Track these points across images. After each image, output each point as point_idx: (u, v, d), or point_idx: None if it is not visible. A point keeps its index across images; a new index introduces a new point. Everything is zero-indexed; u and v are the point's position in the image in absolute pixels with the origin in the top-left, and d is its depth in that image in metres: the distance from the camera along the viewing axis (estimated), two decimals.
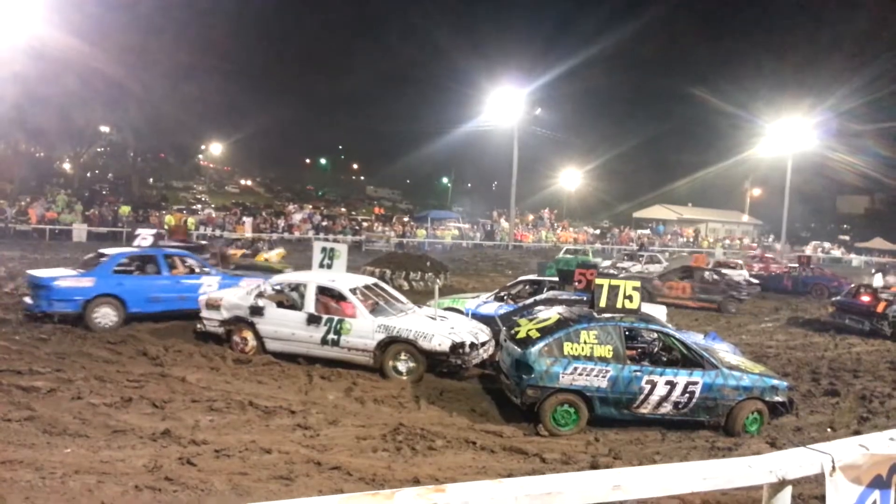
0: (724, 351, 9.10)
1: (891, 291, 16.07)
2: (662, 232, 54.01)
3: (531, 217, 53.93)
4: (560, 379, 7.31)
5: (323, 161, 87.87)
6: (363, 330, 9.12)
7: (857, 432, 7.87)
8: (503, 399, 7.99)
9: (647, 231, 53.03)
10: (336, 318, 9.29)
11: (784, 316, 18.40)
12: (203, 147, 65.75)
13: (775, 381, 7.94)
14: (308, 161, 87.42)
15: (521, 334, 7.98)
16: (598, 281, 8.32)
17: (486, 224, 47.00)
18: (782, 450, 5.99)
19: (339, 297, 9.62)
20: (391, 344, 9.00)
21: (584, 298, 9.99)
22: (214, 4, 40.01)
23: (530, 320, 8.48)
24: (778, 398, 7.80)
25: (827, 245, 48.77)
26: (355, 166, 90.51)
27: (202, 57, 38.92)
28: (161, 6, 34.46)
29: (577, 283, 10.50)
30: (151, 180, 59.82)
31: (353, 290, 9.63)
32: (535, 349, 7.44)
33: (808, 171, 47.78)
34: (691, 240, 51.34)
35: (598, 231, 51.74)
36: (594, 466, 6.31)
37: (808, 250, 45.69)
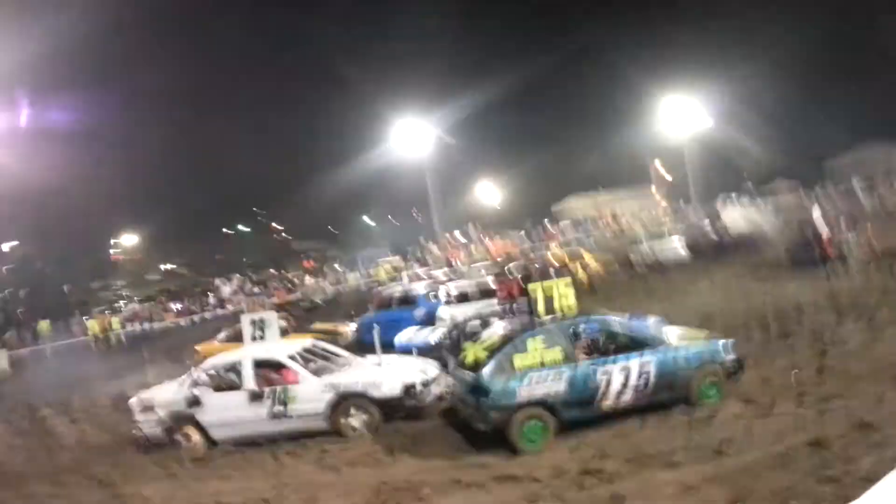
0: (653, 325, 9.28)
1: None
2: (582, 221, 55.26)
3: (457, 234, 54.12)
4: (519, 394, 7.27)
5: (242, 228, 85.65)
6: (310, 394, 8.83)
7: (820, 368, 8.11)
8: (473, 429, 7.85)
9: (568, 222, 54.09)
10: (279, 388, 8.95)
11: (716, 275, 18.96)
12: (112, 241, 63.00)
13: (720, 342, 8.14)
14: (226, 231, 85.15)
15: (470, 358, 7.92)
16: (530, 287, 8.35)
17: (415, 252, 46.81)
18: (764, 421, 5.97)
19: (278, 366, 9.30)
20: (342, 401, 8.70)
21: (509, 308, 10.00)
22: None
23: (475, 342, 8.43)
24: (729, 357, 7.98)
25: (734, 195, 51.04)
26: (275, 225, 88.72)
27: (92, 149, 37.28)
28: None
29: (499, 294, 10.54)
30: (66, 288, 56.63)
31: (292, 356, 9.36)
32: (487, 370, 7.38)
33: (702, 139, 50.09)
34: (610, 222, 52.71)
35: (522, 232, 52.42)
36: (585, 472, 6.23)
37: (718, 205, 47.74)
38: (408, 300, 16.57)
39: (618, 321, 8.34)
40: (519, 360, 7.39)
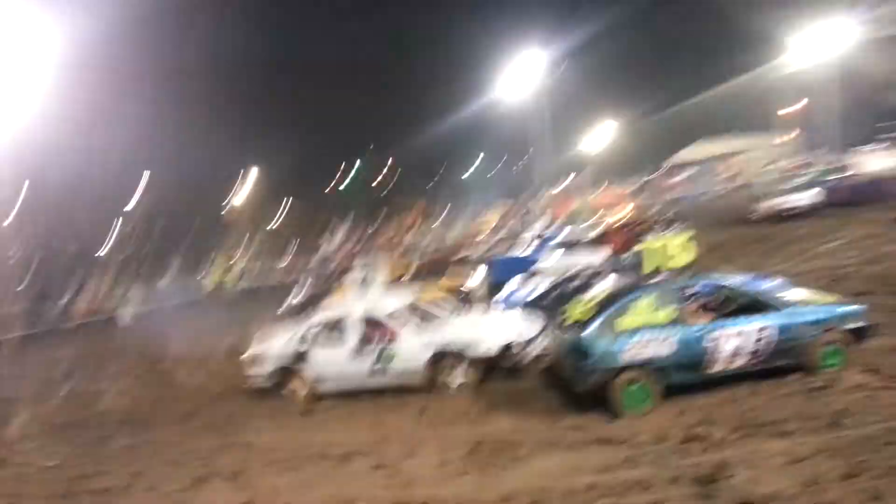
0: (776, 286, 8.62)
1: None
2: (705, 171, 52.33)
3: (569, 181, 52.69)
4: (622, 355, 7.03)
5: (357, 164, 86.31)
6: (409, 351, 9.04)
7: None
8: (573, 390, 7.70)
9: (687, 174, 51.39)
10: (380, 345, 9.21)
11: (851, 232, 17.32)
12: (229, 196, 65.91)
13: (847, 308, 7.48)
14: (343, 167, 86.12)
15: (574, 317, 7.75)
16: (639, 246, 8.02)
17: (526, 201, 46.09)
18: (888, 392, 5.45)
19: (381, 324, 9.52)
20: (440, 359, 8.85)
21: (617, 266, 9.61)
22: None
23: (580, 301, 8.22)
24: (855, 324, 7.30)
25: (884, 145, 46.27)
26: (389, 162, 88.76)
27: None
28: None
29: (612, 247, 10.14)
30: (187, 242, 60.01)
31: (394, 313, 9.60)
32: (590, 330, 7.20)
33: (844, 76, 45.50)
34: (736, 173, 49.55)
35: (635, 186, 50.41)
36: (690, 439, 6.00)
37: (866, 154, 43.36)
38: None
39: (734, 282, 7.85)
40: (625, 321, 7.14)
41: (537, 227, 25.74)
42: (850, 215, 19.73)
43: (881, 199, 21.34)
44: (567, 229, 19.36)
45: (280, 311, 15.40)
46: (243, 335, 12.52)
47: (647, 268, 7.80)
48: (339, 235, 39.81)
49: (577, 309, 7.89)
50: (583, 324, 7.39)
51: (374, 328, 9.57)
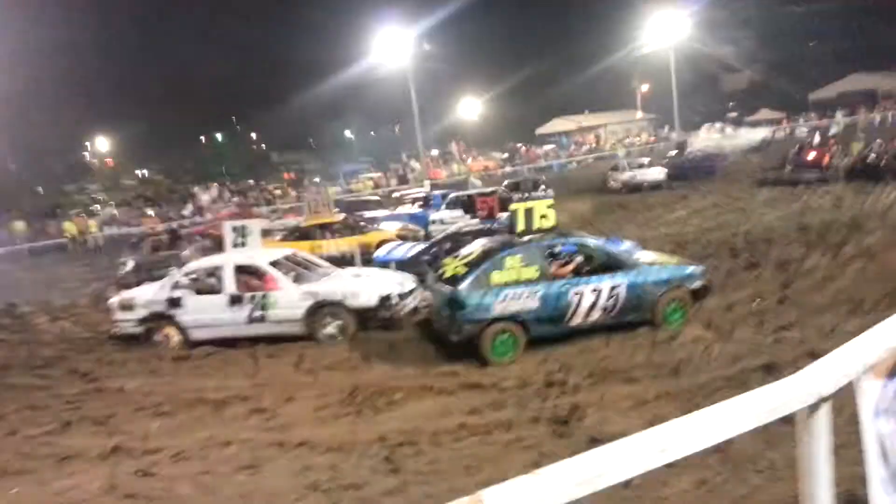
0: (629, 249, 9.57)
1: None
2: (566, 144, 55.04)
3: (437, 153, 53.66)
4: (493, 308, 7.52)
5: (219, 136, 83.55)
6: (289, 300, 9.08)
7: (782, 299, 8.47)
8: (446, 341, 8.13)
9: (552, 146, 53.89)
10: (259, 293, 9.17)
11: (694, 203, 19.24)
12: (86, 144, 61.19)
13: (690, 269, 8.45)
14: (203, 139, 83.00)
15: (449, 273, 8.14)
16: (512, 206, 8.52)
17: (397, 169, 46.51)
18: (722, 345, 6.27)
19: (260, 273, 9.48)
20: (319, 309, 8.95)
21: (490, 227, 10.17)
22: None
23: (455, 258, 8.62)
24: (696, 283, 8.28)
25: (718, 125, 51.25)
26: (254, 136, 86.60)
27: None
28: None
29: (479, 212, 10.65)
30: (40, 189, 55.45)
31: (273, 263, 9.56)
32: (465, 285, 7.60)
33: (689, 58, 49.53)
34: (594, 146, 52.62)
35: (505, 155, 52.14)
36: (549, 385, 6.55)
37: (703, 132, 48.01)
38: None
39: (593, 243, 8.57)
40: (496, 277, 7.62)
41: (416, 191, 26.35)
42: (693, 188, 21.90)
43: (715, 174, 23.73)
44: (443, 193, 20.05)
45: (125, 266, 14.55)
46: (107, 284, 11.79)
47: (518, 228, 8.25)
48: (204, 199, 38.08)
49: (453, 265, 8.28)
50: (458, 279, 7.79)
51: (253, 276, 9.48)
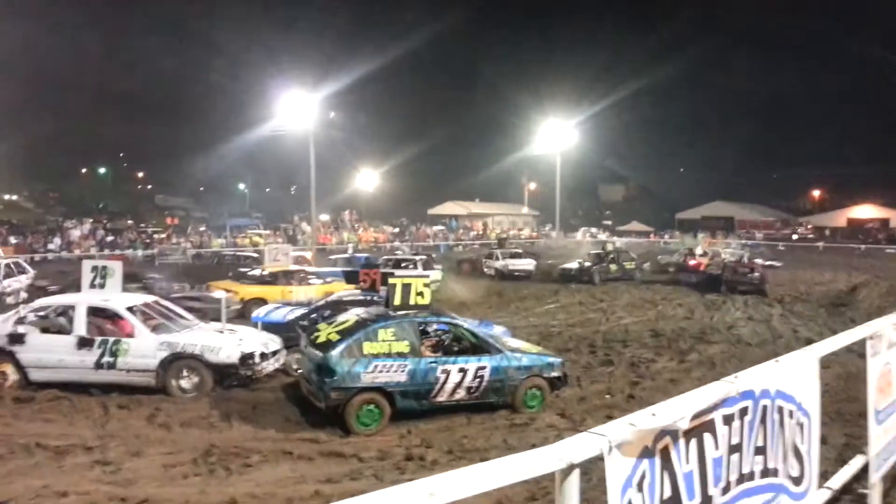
0: (499, 334, 10.11)
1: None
2: (455, 227, 56.88)
3: (329, 219, 53.69)
4: (362, 378, 7.65)
5: (102, 170, 79.14)
6: (143, 349, 8.78)
7: (630, 396, 9.21)
8: (312, 406, 8.15)
9: (442, 227, 55.51)
10: (112, 339, 8.82)
11: (563, 299, 20.48)
12: None
13: (551, 359, 9.00)
14: (85, 171, 78.27)
15: (322, 338, 8.21)
16: (390, 280, 8.74)
17: (287, 229, 45.99)
18: (573, 433, 6.76)
19: (115, 317, 9.14)
20: (175, 361, 8.72)
21: (371, 298, 10.45)
22: None
23: (330, 324, 8.72)
24: (555, 373, 8.84)
25: (594, 230, 55.38)
26: (140, 175, 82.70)
27: None
28: None
29: (361, 283, 10.93)
30: None
31: (131, 309, 9.24)
32: (336, 352, 7.69)
33: (574, 165, 53.62)
34: (480, 233, 54.79)
35: (396, 229, 53.02)
36: (409, 458, 6.72)
37: (578, 236, 51.60)
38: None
39: (464, 325, 8.97)
40: (367, 347, 7.78)
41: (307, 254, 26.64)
42: (563, 285, 23.36)
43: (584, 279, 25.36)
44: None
45: None
46: None
47: (393, 302, 8.51)
48: (75, 234, 35.75)
49: (327, 331, 8.36)
50: (330, 345, 7.87)
51: (108, 320, 9.12)
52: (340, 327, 8.32)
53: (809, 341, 12.45)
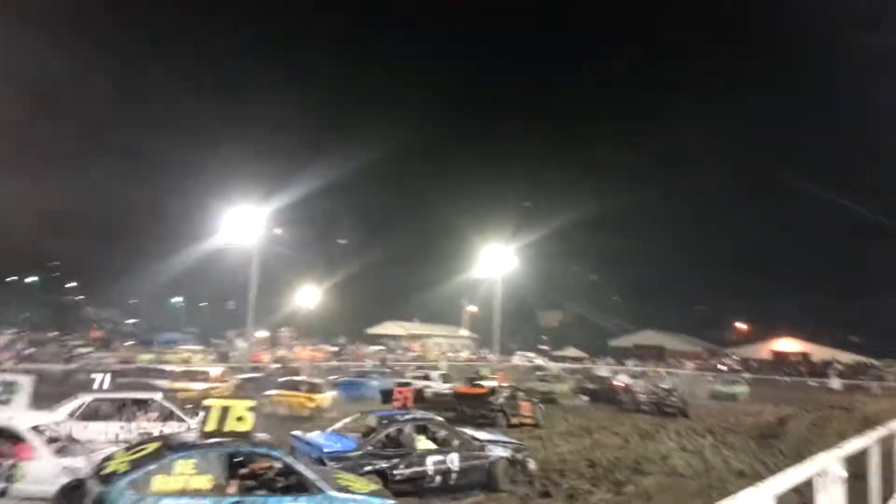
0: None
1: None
2: (393, 348, 56.58)
3: (266, 335, 52.63)
4: None
5: (29, 280, 76.02)
6: (42, 474, 7.96)
7: None
8: None
9: (381, 347, 55.11)
10: (8, 462, 7.99)
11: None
12: None
13: (379, 501, 7.64)
14: (9, 280, 74.96)
15: (111, 468, 6.87)
16: (205, 402, 7.57)
17: (220, 345, 44.72)
18: None
19: (15, 438, 8.33)
20: (77, 489, 7.74)
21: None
22: None
23: (128, 451, 7.42)
24: None
25: (530, 354, 56.14)
26: (72, 285, 79.61)
27: None
28: None
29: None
30: None
31: (37, 429, 8.55)
32: (117, 486, 6.39)
33: (514, 289, 55.07)
34: (418, 354, 54.61)
35: (335, 348, 52.30)
36: None
37: (516, 359, 52.20)
38: None
39: (283, 457, 7.61)
40: (158, 482, 6.49)
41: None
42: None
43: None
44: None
45: None
46: None
47: (207, 427, 7.23)
48: None
49: (120, 460, 7.02)
50: (116, 477, 6.57)
51: (7, 441, 8.30)
52: (135, 456, 6.96)
53: (742, 473, 12.87)
